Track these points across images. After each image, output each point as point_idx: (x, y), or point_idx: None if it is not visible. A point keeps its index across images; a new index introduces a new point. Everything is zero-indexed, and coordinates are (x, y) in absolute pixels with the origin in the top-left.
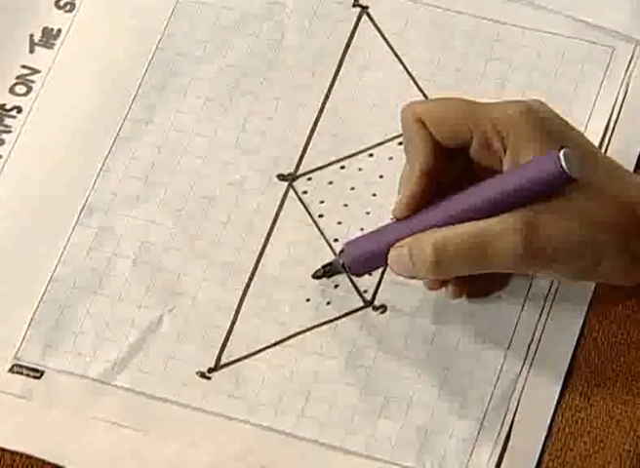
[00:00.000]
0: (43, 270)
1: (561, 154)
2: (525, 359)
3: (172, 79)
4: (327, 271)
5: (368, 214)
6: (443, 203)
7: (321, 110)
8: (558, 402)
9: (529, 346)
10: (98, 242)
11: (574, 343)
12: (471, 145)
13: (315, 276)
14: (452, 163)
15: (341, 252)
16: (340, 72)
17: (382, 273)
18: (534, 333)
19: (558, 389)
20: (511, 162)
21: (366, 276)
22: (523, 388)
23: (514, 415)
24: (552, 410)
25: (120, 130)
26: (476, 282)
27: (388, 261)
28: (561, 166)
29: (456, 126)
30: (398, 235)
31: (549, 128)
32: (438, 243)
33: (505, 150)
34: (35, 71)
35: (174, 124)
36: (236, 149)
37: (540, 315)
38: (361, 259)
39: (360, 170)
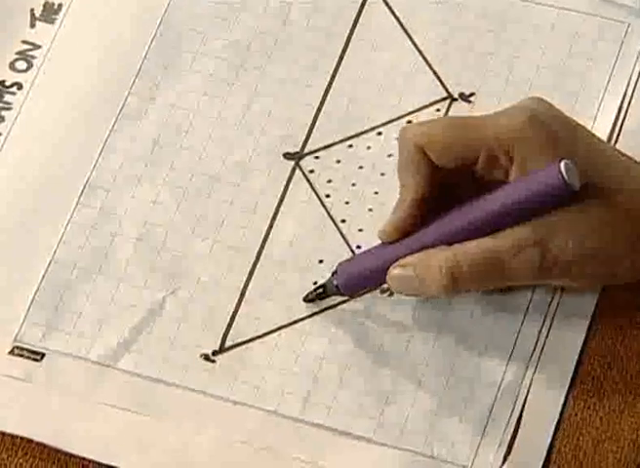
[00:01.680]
0: (43, 251)
1: (562, 166)
2: (536, 342)
3: (176, 56)
4: (319, 294)
5: (376, 193)
6: (442, 219)
7: (328, 89)
8: (570, 386)
9: (540, 329)
10: (99, 222)
11: (586, 327)
12: (477, 164)
13: (307, 299)
14: (449, 177)
15: (334, 273)
16: (348, 50)
17: None
18: (545, 316)
19: (570, 373)
20: (519, 174)
21: None
22: (534, 372)
23: (525, 400)
24: (564, 395)
25: (123, 107)
26: None
27: (389, 281)
28: (563, 179)
29: (461, 150)
30: (395, 253)
31: (555, 134)
32: (451, 262)
33: (512, 163)
34: (36, 47)
35: (178, 102)
36: (242, 127)
37: (552, 299)
38: (355, 280)
39: (368, 148)
